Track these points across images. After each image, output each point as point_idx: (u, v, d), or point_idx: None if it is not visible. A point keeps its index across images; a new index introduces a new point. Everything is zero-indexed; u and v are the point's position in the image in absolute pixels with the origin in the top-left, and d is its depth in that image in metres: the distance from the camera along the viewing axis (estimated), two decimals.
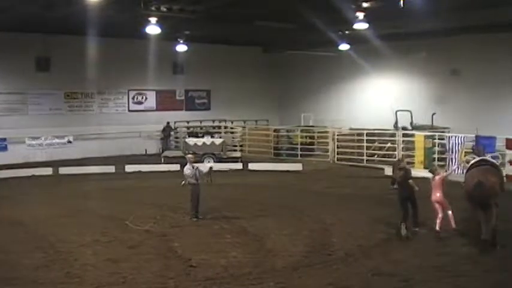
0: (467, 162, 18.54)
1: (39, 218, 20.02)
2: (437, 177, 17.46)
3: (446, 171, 19.31)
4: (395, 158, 29.81)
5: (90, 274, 13.78)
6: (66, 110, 38.39)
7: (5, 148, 35.55)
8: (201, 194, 19.75)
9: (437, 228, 16.84)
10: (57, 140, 36.79)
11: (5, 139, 35.49)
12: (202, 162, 31.92)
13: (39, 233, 17.91)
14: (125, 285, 13.08)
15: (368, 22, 26.79)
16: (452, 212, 17.26)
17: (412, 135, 30.76)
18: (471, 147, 24.06)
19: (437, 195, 17.19)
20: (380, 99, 39.05)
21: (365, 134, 33.61)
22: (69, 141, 37.26)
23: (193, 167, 19.87)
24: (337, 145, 34.92)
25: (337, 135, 35.16)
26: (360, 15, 26.20)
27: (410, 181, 17.54)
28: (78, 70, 35.55)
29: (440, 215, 17.00)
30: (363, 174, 30.34)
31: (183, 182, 19.93)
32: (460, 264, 14.31)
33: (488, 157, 18.54)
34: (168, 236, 17.30)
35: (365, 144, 33.44)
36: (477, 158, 17.82)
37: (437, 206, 17.18)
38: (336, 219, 19.29)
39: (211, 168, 20.92)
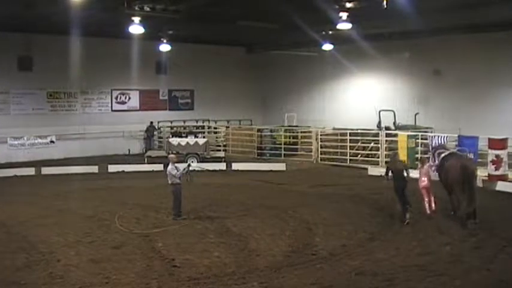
0: (423, 162, 20.26)
1: (21, 218, 19.87)
2: (425, 166, 19.62)
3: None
4: (378, 157, 29.96)
5: (73, 275, 13.71)
6: (49, 109, 38.19)
7: None
8: (183, 194, 19.73)
9: (428, 211, 19.03)
10: (39, 140, 36.61)
11: None
12: (186, 162, 31.86)
13: (21, 233, 17.78)
14: (108, 286, 13.03)
15: (351, 22, 26.82)
16: (435, 197, 19.13)
17: (396, 135, 30.85)
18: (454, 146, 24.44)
19: (424, 181, 19.27)
20: (363, 99, 39.24)
21: (348, 134, 33.67)
22: (52, 141, 37.09)
23: (175, 167, 19.84)
24: (321, 145, 35.03)
25: (321, 135, 35.27)
26: (343, 15, 26.17)
27: (406, 173, 18.85)
28: (61, 70, 35.36)
29: (426, 199, 19.08)
30: (346, 174, 30.44)
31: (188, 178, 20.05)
32: (442, 263, 14.37)
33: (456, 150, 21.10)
34: (151, 236, 17.25)
35: (348, 144, 33.48)
36: (447, 152, 19.86)
37: (424, 191, 19.20)
38: (319, 219, 19.32)
39: (188, 165, 20.82)
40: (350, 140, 33.49)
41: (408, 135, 29.72)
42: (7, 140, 35.58)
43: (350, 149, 33.46)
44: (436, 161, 20.07)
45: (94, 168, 31.55)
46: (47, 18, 28.53)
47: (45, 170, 30.71)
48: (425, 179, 19.34)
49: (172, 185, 19.62)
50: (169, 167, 19.88)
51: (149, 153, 36.18)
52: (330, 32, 32.48)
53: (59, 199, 23.91)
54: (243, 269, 14.03)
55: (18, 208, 21.89)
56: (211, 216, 20.00)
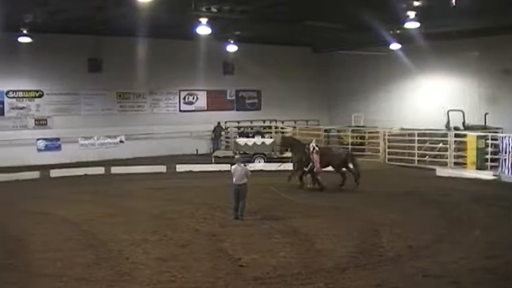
0: None
1: (91, 216, 20.25)
2: None
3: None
4: (447, 158, 29.55)
5: (141, 272, 13.88)
6: (118, 110, 38.95)
7: (58, 148, 36.31)
8: (248, 194, 19.81)
9: None
10: (109, 140, 37.27)
11: (58, 139, 36.24)
12: (253, 162, 32.04)
13: (90, 231, 18.10)
14: (175, 284, 13.13)
15: (419, 21, 26.53)
16: None
17: (464, 136, 30.38)
18: None
19: None
20: (431, 99, 38.61)
21: (416, 134, 33.31)
22: (121, 141, 37.69)
23: (242, 167, 19.91)
24: (388, 145, 34.70)
25: (388, 135, 34.96)
26: (411, 14, 25.97)
27: None
28: (129, 71, 35.97)
29: None
30: (414, 175, 30.11)
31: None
32: (510, 266, 14.08)
33: None
34: (217, 236, 17.32)
35: (416, 144, 33.12)
36: None
37: None
38: (386, 220, 19.16)
39: (244, 165, 20.89)
40: (418, 140, 33.15)
41: (478, 136, 29.24)
42: (78, 140, 36.34)
43: (418, 149, 33.08)
44: None
45: (162, 168, 31.92)
46: (115, 20, 29.03)
47: (115, 170, 31.22)
48: None
49: (237, 185, 19.71)
50: (234, 166, 19.94)
51: (216, 153, 36.40)
52: (398, 31, 32.15)
53: (127, 198, 24.28)
54: (308, 269, 13.95)
55: (88, 206, 22.30)
56: (278, 216, 19.98)
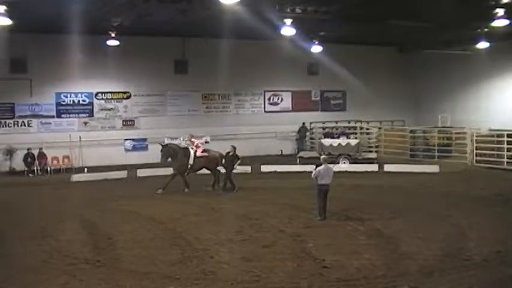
0: None
1: (178, 215, 20.61)
2: None
3: None
4: None
5: (225, 272, 13.99)
6: (204, 111, 39.51)
7: (145, 148, 37.04)
8: (333, 195, 19.73)
9: None
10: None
11: (145, 139, 36.96)
12: (338, 163, 31.91)
13: (176, 230, 18.38)
14: (259, 284, 13.18)
15: (508, 18, 25.87)
16: None
17: None
18: None
19: None
20: None
21: (505, 135, 32.43)
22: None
23: (328, 167, 19.85)
24: (476, 147, 33.89)
25: (476, 136, 34.12)
26: (500, 11, 25.35)
27: None
28: (214, 72, 36.22)
29: None
30: (503, 177, 29.37)
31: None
32: None
33: None
34: (301, 237, 17.28)
35: (505, 146, 32.27)
36: None
37: None
38: (473, 223, 18.66)
39: (316, 166, 20.81)
40: (507, 141, 32.24)
41: None
42: (164, 140, 36.83)
43: (507, 151, 32.21)
44: None
45: (247, 168, 32.08)
46: (201, 22, 29.34)
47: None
48: None
49: (321, 185, 19.64)
50: (321, 167, 19.85)
51: (301, 154, 36.42)
52: (485, 30, 31.41)
53: (212, 197, 24.63)
54: (393, 272, 13.78)
55: (174, 205, 22.76)
56: (362, 217, 19.80)
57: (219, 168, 27.16)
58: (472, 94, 41.40)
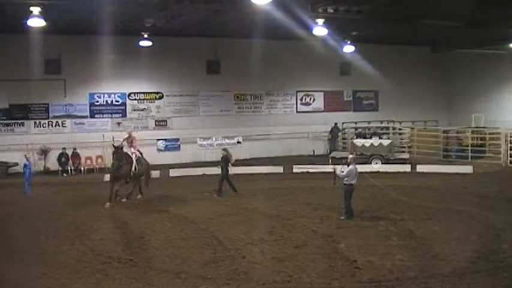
0: None
1: (209, 215, 20.69)
2: None
3: None
4: None
5: (257, 272, 14.04)
6: (236, 111, 39.61)
7: (178, 148, 37.25)
8: (361, 195, 19.82)
9: None
10: (227, 141, 37.66)
11: (177, 139, 37.15)
12: (370, 163, 31.83)
13: (208, 230, 18.47)
14: (290, 284, 13.19)
15: None
16: None
17: None
18: None
19: None
20: None
21: None
22: (239, 142, 38.13)
23: (356, 167, 19.84)
24: (510, 147, 33.53)
25: (511, 136, 33.76)
26: None
27: None
28: (246, 72, 36.44)
29: None
30: None
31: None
32: None
33: None
34: (333, 237, 17.26)
35: None
36: None
37: None
38: (507, 225, 18.39)
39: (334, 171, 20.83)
40: None
41: None
42: (196, 140, 37.10)
43: None
44: None
45: (279, 169, 32.09)
46: (233, 23, 29.43)
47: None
48: None
49: (347, 185, 19.72)
50: (350, 167, 19.82)
51: (333, 154, 36.30)
52: None
53: (244, 198, 24.60)
54: (425, 273, 13.70)
55: (206, 206, 22.83)
56: (394, 218, 19.71)
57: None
58: (507, 94, 41.01)
